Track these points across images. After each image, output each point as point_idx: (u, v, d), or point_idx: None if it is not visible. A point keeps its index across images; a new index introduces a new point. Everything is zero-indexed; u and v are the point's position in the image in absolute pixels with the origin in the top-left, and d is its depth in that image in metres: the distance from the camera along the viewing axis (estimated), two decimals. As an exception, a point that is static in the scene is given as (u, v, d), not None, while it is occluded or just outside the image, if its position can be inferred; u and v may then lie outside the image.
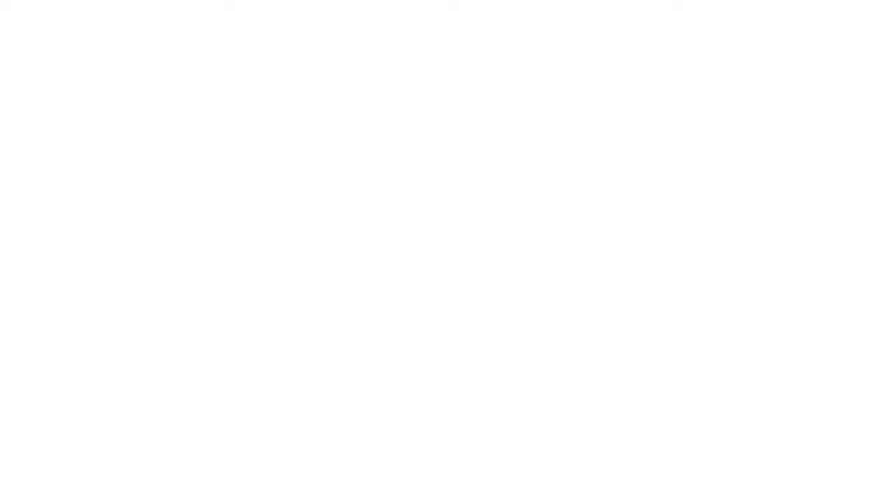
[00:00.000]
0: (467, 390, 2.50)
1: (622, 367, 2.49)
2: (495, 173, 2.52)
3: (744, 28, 2.52)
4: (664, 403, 2.48)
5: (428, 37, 2.53)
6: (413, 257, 2.50)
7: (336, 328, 2.49)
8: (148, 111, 2.52)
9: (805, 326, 2.48)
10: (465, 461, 2.51)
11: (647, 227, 2.52)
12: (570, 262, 2.51)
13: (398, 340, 2.49)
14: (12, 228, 2.52)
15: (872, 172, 2.51)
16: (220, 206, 2.51)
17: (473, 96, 2.53)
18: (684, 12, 2.54)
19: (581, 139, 2.52)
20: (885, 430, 2.48)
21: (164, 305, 2.51)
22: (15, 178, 2.53)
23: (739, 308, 2.48)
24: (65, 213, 2.52)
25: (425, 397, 2.50)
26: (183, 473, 2.51)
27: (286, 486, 2.51)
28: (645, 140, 2.52)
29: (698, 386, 2.46)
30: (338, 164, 2.52)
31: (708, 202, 2.52)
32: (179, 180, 2.52)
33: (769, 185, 2.52)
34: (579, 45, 2.54)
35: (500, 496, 2.51)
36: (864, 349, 2.47)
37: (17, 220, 2.52)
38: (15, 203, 2.52)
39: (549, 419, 2.50)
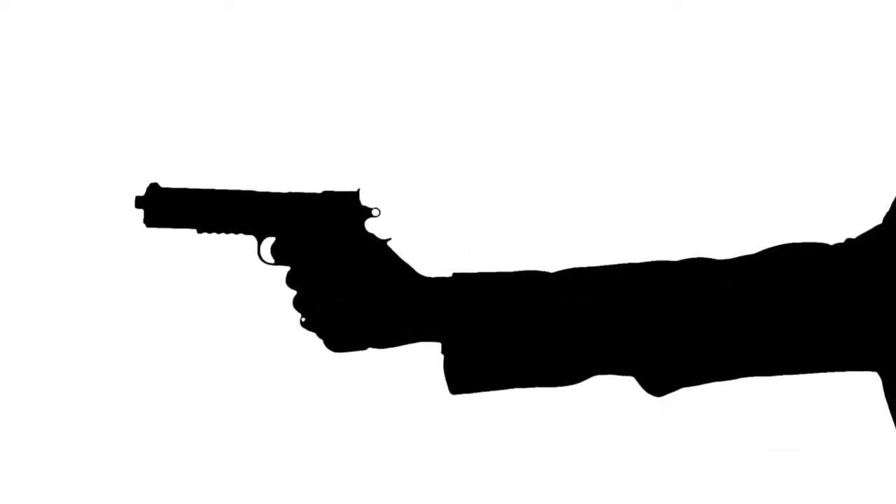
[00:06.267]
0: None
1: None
2: (494, 174, 2.52)
3: (744, 28, 2.53)
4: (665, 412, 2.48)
5: (428, 36, 2.53)
6: (411, 258, 2.50)
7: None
8: (148, 111, 2.52)
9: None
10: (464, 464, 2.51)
11: (646, 228, 2.52)
12: (570, 264, 2.51)
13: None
14: (12, 229, 2.52)
15: (872, 174, 2.51)
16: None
17: (472, 96, 2.53)
18: (684, 12, 2.54)
19: (580, 139, 2.52)
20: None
21: (162, 304, 2.51)
22: (15, 179, 2.53)
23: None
24: (64, 212, 2.52)
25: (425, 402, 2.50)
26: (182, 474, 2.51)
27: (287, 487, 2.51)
28: (644, 140, 2.52)
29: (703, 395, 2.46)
30: (338, 165, 2.52)
31: (708, 202, 2.52)
32: (179, 180, 2.52)
33: (769, 185, 2.52)
34: (578, 44, 2.54)
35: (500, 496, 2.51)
36: None
37: (17, 220, 2.52)
38: (15, 203, 2.52)
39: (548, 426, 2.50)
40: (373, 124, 2.52)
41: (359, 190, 1.39)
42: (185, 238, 2.46)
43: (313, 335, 1.41)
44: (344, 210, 1.37)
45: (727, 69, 2.53)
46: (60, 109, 2.53)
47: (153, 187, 1.40)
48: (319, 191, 1.40)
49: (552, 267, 2.52)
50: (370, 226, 1.47)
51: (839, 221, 2.50)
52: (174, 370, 2.50)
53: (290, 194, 1.39)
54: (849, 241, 1.31)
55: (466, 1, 2.53)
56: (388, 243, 1.40)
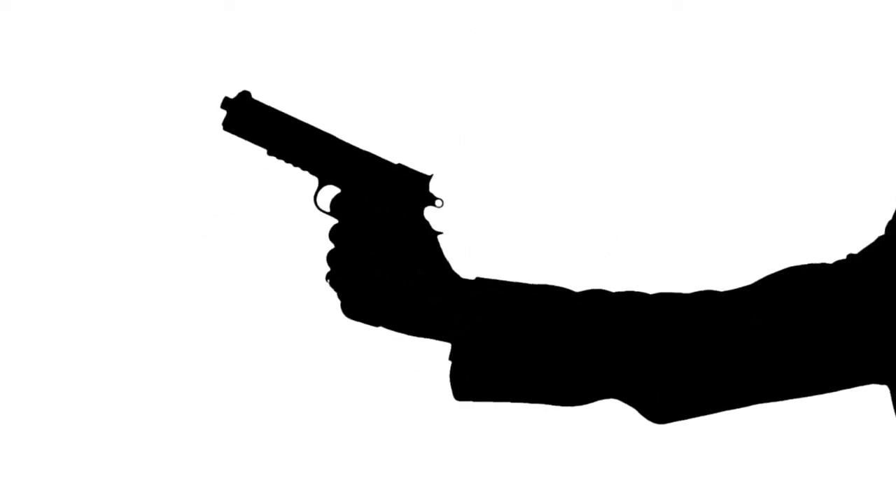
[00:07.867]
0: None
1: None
2: (495, 174, 2.52)
3: (744, 28, 2.53)
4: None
5: (428, 36, 2.53)
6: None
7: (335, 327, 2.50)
8: (147, 111, 2.53)
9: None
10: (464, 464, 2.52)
11: (646, 228, 2.52)
12: (569, 264, 2.52)
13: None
14: (12, 230, 2.52)
15: (871, 175, 2.51)
16: (220, 206, 2.51)
17: (472, 96, 2.53)
18: (684, 12, 2.54)
19: (581, 140, 2.53)
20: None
21: (161, 306, 2.51)
22: (15, 179, 2.53)
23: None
24: (64, 213, 2.52)
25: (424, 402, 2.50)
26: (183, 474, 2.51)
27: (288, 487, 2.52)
28: (645, 141, 2.52)
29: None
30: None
31: (708, 203, 2.52)
32: (179, 181, 2.52)
33: (769, 185, 2.52)
34: (579, 44, 2.54)
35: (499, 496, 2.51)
36: None
37: (17, 221, 2.52)
38: (15, 204, 2.53)
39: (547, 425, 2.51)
40: (373, 124, 2.53)
41: (432, 175, 1.38)
42: (188, 248, 2.46)
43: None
44: (411, 189, 1.36)
45: (727, 69, 2.53)
46: (60, 110, 2.53)
47: (244, 95, 1.38)
48: (395, 161, 1.37)
49: (552, 267, 2.52)
50: (428, 214, 1.45)
51: (842, 225, 2.51)
52: (178, 373, 2.51)
53: (366, 153, 1.37)
54: (850, 256, 1.31)
55: (466, 1, 2.53)
56: (438, 237, 1.39)
